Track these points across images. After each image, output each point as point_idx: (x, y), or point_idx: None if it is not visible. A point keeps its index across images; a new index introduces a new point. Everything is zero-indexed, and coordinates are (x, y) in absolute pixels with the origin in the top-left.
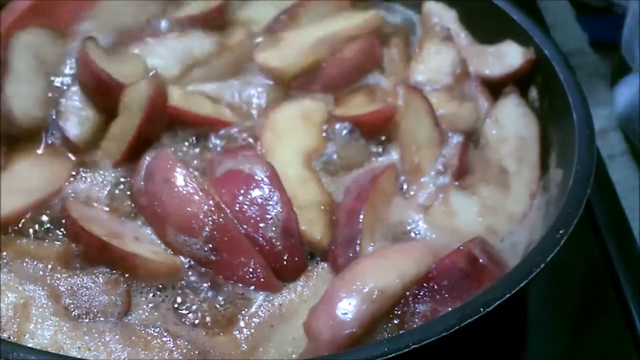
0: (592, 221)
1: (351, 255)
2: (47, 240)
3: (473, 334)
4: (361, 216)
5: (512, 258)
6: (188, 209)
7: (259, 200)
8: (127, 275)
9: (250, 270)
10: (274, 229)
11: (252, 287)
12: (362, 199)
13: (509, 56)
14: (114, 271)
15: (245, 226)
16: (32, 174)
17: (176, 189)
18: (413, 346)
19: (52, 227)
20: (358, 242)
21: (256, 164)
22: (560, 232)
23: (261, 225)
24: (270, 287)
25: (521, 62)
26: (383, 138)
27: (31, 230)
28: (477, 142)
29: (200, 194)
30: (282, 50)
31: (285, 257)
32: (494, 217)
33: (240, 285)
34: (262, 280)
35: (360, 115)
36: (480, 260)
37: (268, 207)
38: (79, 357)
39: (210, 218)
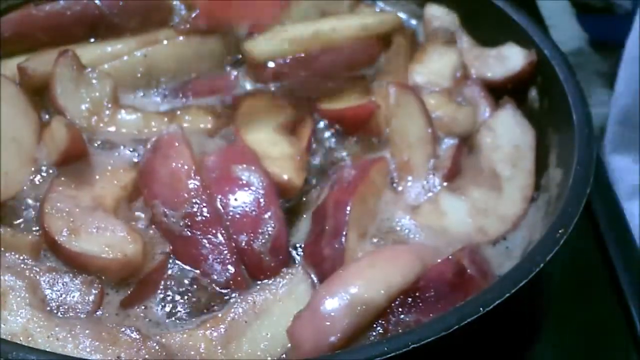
0: (592, 221)
1: (337, 246)
2: (24, 230)
3: (473, 334)
4: (348, 208)
5: (507, 260)
6: (177, 183)
7: (253, 212)
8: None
9: (219, 257)
10: (263, 242)
11: (215, 277)
12: (350, 190)
13: (511, 59)
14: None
15: (234, 236)
16: None
17: (173, 164)
18: (413, 346)
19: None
20: (344, 233)
21: (254, 173)
22: (560, 232)
23: (251, 237)
24: (237, 283)
25: (523, 65)
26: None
27: (15, 213)
28: (470, 148)
29: (192, 174)
30: (272, 39)
31: (268, 268)
32: (485, 218)
33: (206, 273)
34: (228, 270)
35: (342, 109)
36: (469, 271)
37: (261, 221)
38: (48, 346)
39: (194, 196)
